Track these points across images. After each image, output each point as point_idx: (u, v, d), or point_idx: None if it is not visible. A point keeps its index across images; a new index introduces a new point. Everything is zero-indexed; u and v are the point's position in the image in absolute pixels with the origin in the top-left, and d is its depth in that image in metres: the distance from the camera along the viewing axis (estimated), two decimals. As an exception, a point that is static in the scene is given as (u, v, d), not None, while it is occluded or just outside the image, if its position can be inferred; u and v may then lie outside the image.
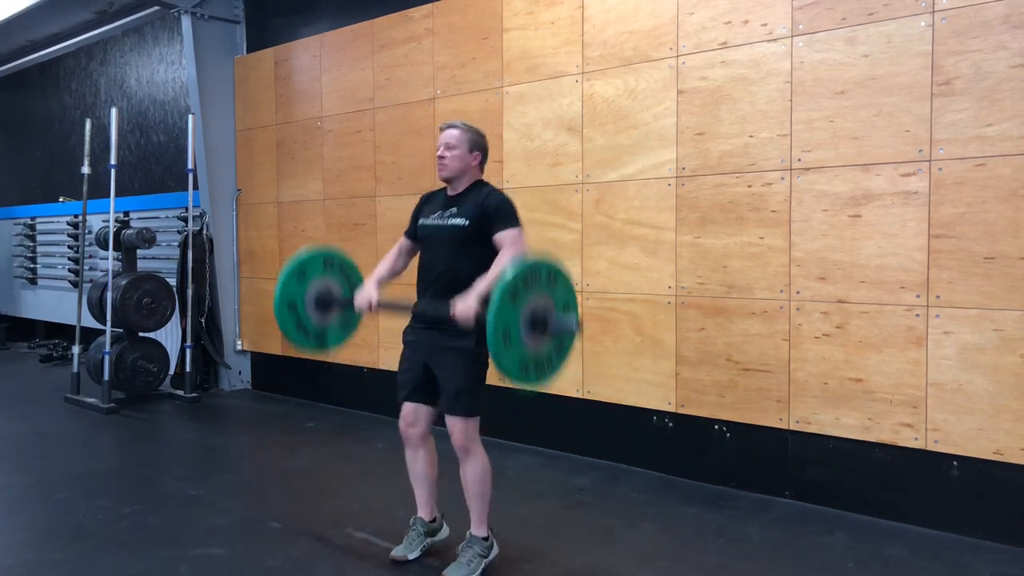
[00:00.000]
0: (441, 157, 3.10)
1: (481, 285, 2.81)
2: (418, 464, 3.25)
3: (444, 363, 3.03)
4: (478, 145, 3.13)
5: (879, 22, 3.52)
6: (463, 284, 2.94)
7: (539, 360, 2.81)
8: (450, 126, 3.14)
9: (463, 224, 3.01)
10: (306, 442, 5.16)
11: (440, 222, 3.09)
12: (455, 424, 3.00)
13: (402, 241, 3.32)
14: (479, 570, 3.02)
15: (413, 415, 3.18)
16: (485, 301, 2.73)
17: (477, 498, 3.05)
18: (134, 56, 8.04)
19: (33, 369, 8.19)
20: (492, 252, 3.01)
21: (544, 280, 2.80)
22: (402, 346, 3.23)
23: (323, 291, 3.39)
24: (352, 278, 3.51)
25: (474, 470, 3.02)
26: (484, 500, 3.05)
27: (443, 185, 3.23)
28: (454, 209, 3.08)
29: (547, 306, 2.79)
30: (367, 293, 3.15)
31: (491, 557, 3.09)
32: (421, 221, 3.19)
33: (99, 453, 4.99)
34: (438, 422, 3.19)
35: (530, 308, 2.74)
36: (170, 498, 4.02)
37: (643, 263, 4.29)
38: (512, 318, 2.67)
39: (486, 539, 3.08)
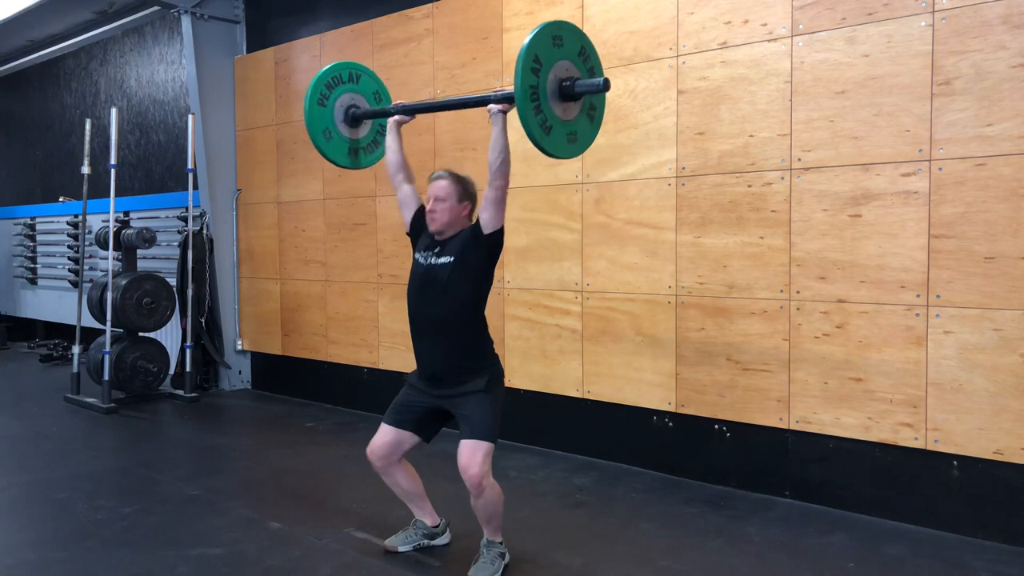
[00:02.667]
0: (431, 211, 3.08)
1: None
2: (400, 483, 3.26)
3: (463, 404, 3.02)
4: (467, 195, 3.11)
5: (879, 22, 3.52)
6: (454, 338, 3.00)
7: (565, 128, 2.87)
8: (439, 177, 3.11)
9: (448, 261, 3.01)
10: (306, 442, 5.16)
11: (427, 263, 3.08)
12: (474, 455, 2.90)
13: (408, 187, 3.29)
14: (500, 570, 3.03)
15: (390, 445, 3.15)
16: (510, 102, 2.84)
17: (493, 519, 3.05)
18: (134, 56, 8.04)
19: (33, 369, 8.19)
20: (479, 287, 3.04)
21: (551, 46, 2.81)
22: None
23: (350, 105, 3.52)
24: (366, 80, 3.63)
25: (486, 503, 2.98)
26: (499, 519, 3.06)
27: None
28: (438, 249, 3.08)
29: (567, 69, 2.83)
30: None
31: (507, 560, 3.11)
32: (415, 249, 3.17)
33: (99, 453, 4.99)
34: (449, 444, 3.18)
35: (553, 81, 2.77)
36: (170, 498, 4.02)
37: (643, 263, 4.29)
38: (542, 75, 2.73)
39: (502, 543, 3.10)
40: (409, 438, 3.16)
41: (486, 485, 2.92)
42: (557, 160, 4.62)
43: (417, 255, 3.16)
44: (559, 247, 4.63)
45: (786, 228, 3.81)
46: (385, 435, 3.17)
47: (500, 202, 2.98)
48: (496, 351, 3.18)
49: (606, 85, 2.84)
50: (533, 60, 2.75)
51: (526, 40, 2.75)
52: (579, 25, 4.49)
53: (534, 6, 4.70)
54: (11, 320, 9.89)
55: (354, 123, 3.52)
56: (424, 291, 3.06)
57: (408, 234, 3.26)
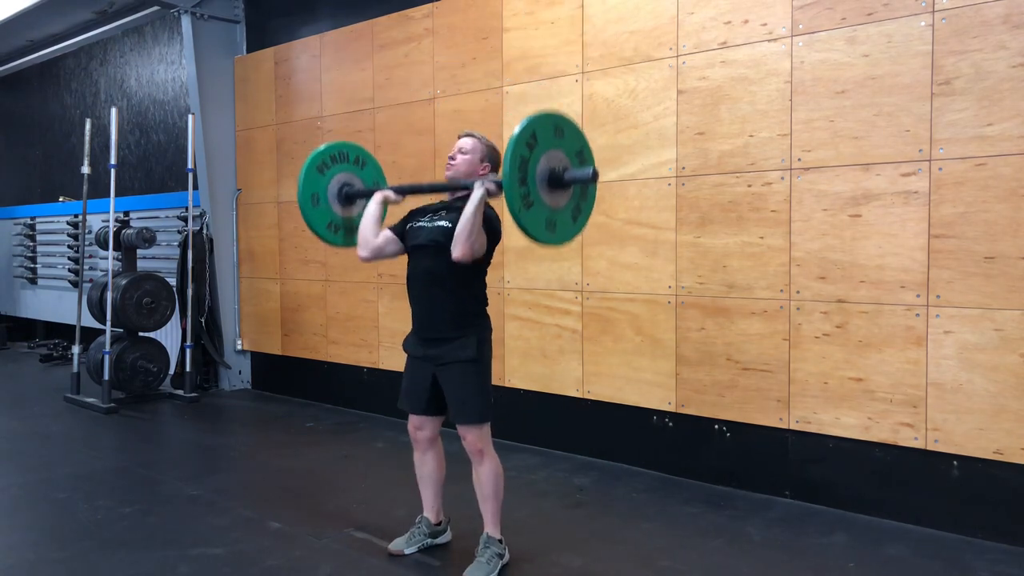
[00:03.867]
0: (451, 157, 3.11)
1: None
2: (426, 467, 3.29)
3: (450, 376, 3.05)
4: (490, 158, 3.13)
5: (879, 22, 3.52)
6: (448, 289, 3.01)
7: (567, 212, 2.88)
8: (468, 134, 3.15)
9: (447, 226, 3.01)
10: (306, 442, 5.16)
11: (427, 224, 3.10)
12: (468, 432, 3.03)
13: (385, 231, 3.25)
14: (497, 570, 3.03)
15: (420, 422, 3.22)
16: (496, 185, 2.83)
17: (491, 499, 3.07)
18: (134, 56, 8.04)
19: (33, 369, 8.19)
20: (477, 262, 3.02)
21: (552, 134, 2.81)
22: (404, 354, 3.23)
23: (345, 183, 3.49)
24: (370, 170, 3.60)
25: (487, 472, 3.05)
26: (498, 501, 3.08)
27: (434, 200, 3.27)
28: (443, 212, 3.10)
29: (560, 160, 2.82)
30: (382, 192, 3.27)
31: (506, 559, 3.10)
32: (409, 225, 3.18)
33: (99, 453, 4.99)
34: (447, 424, 3.21)
35: (544, 165, 2.76)
36: (170, 498, 4.02)
37: (643, 263, 4.29)
38: (529, 180, 2.72)
39: (501, 540, 3.10)
40: (429, 420, 3.21)
41: (486, 452, 3.02)
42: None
43: (414, 223, 3.14)
44: (559, 247, 4.63)
45: (786, 228, 3.81)
46: (412, 420, 3.24)
47: (470, 257, 2.91)
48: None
49: (595, 176, 2.82)
50: (530, 136, 2.72)
51: (506, 154, 2.70)
52: (579, 25, 4.50)
53: (534, 6, 4.70)
54: (11, 320, 9.89)
55: (347, 202, 3.48)
56: (424, 247, 3.07)
57: (406, 249, 3.19)
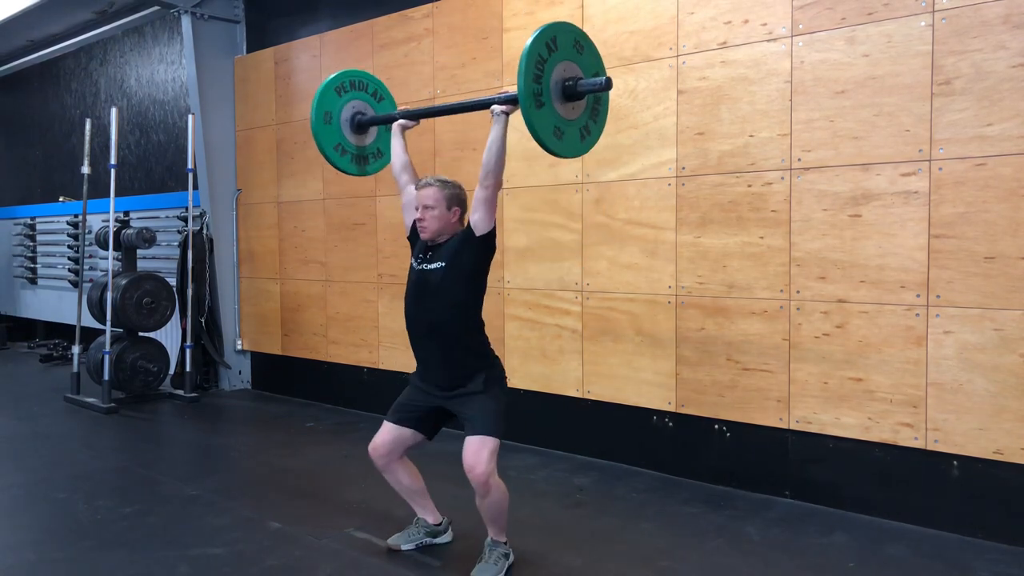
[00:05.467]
0: (420, 219, 3.07)
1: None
2: (402, 481, 3.28)
3: (462, 403, 3.04)
4: (456, 200, 3.09)
5: (879, 22, 3.52)
6: (450, 340, 3.02)
7: (576, 125, 2.92)
8: (426, 185, 3.08)
9: (440, 266, 3.02)
10: (306, 442, 5.16)
11: (419, 267, 3.09)
12: (478, 453, 2.90)
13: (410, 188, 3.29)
14: (504, 570, 3.03)
15: (392, 442, 3.17)
16: (511, 102, 2.89)
17: (498, 519, 3.06)
18: (134, 56, 8.04)
19: (33, 369, 8.19)
20: (472, 289, 3.04)
21: (571, 46, 2.86)
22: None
23: (359, 111, 3.56)
24: (386, 105, 3.67)
25: (492, 503, 2.99)
26: (504, 518, 3.08)
27: None
28: (430, 254, 3.09)
29: (575, 72, 2.87)
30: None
31: (511, 560, 3.10)
32: (412, 258, 3.17)
33: (99, 453, 4.99)
34: (450, 445, 3.20)
35: (560, 72, 2.81)
36: (170, 498, 4.02)
37: (643, 263, 4.29)
38: (544, 80, 2.76)
39: (506, 543, 3.11)
40: (411, 436, 3.18)
41: (492, 484, 2.92)
42: (558, 160, 4.63)
43: (412, 260, 3.16)
44: (559, 247, 4.63)
45: (786, 228, 3.81)
46: (386, 433, 3.18)
47: (491, 202, 2.97)
48: (496, 352, 3.19)
49: (608, 84, 2.87)
50: (550, 39, 2.79)
51: (527, 44, 2.76)
52: (579, 25, 4.49)
53: (534, 6, 4.70)
54: (11, 320, 9.89)
55: (360, 130, 3.55)
56: (418, 296, 3.07)
57: (408, 238, 3.26)
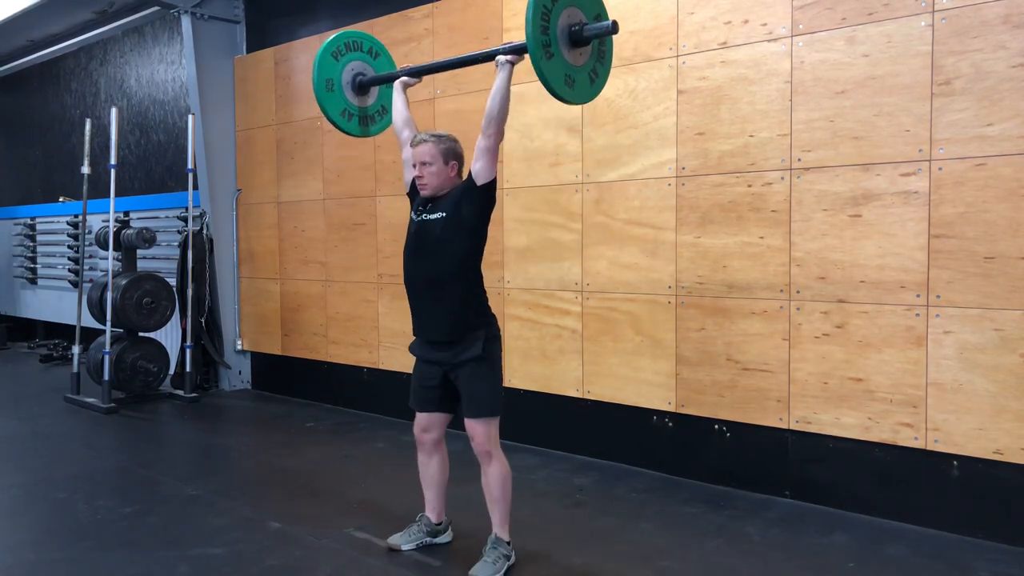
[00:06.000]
0: (419, 176, 3.07)
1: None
2: (431, 469, 3.29)
3: (461, 375, 3.05)
4: (453, 154, 3.09)
5: (879, 22, 3.52)
6: (448, 292, 3.01)
7: (584, 71, 2.96)
8: (422, 141, 3.08)
9: (440, 217, 3.02)
10: (306, 442, 5.16)
11: (419, 218, 3.10)
12: (477, 428, 3.02)
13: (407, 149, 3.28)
14: (503, 571, 3.03)
15: (428, 421, 3.22)
16: (516, 52, 2.93)
17: (499, 502, 3.07)
18: (134, 56, 8.04)
19: (33, 369, 8.19)
20: (473, 241, 3.04)
21: None
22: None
23: (359, 72, 3.56)
24: (383, 61, 3.67)
25: (496, 474, 3.04)
26: (506, 503, 3.09)
27: None
28: (430, 205, 3.10)
29: (579, 18, 2.90)
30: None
31: (512, 561, 3.10)
32: (411, 211, 3.19)
33: (99, 453, 4.99)
34: (454, 425, 3.21)
35: (564, 20, 2.84)
36: (170, 498, 4.02)
37: (643, 263, 4.29)
38: (551, 30, 2.79)
39: (509, 543, 3.11)
40: (439, 417, 3.22)
41: (494, 454, 3.02)
42: (559, 160, 4.62)
43: (412, 214, 3.16)
44: (559, 247, 4.63)
45: (786, 228, 3.81)
46: (420, 419, 3.24)
47: (493, 151, 2.97)
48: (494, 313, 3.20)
49: (615, 27, 2.92)
50: (542, 16, 2.81)
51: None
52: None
53: (534, 6, 4.69)
54: (11, 320, 9.89)
55: (362, 91, 3.56)
56: (418, 247, 3.07)
57: (408, 194, 3.25)
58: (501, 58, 2.97)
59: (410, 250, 3.12)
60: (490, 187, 3.02)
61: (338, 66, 3.49)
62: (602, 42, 3.09)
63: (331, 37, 3.55)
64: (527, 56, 2.87)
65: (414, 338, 3.21)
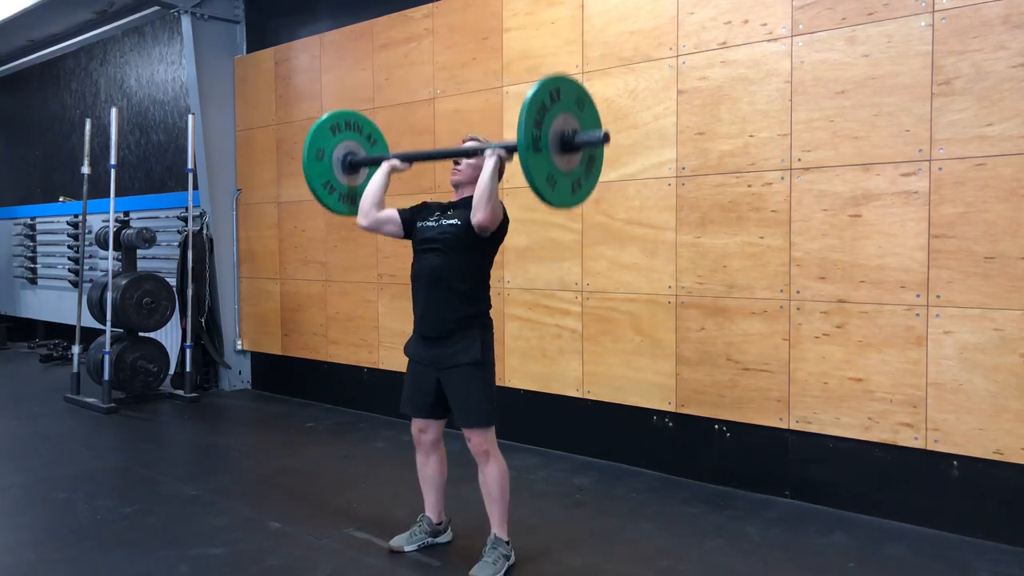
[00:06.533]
0: (456, 163, 3.15)
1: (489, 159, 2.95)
2: (429, 469, 3.30)
3: (454, 380, 3.05)
4: None
5: (879, 22, 3.52)
6: (453, 287, 3.02)
7: (569, 178, 2.91)
8: (472, 138, 3.18)
9: (455, 224, 3.04)
10: (306, 442, 5.16)
11: (434, 223, 3.11)
12: (473, 434, 3.03)
13: (391, 210, 3.26)
14: (503, 571, 3.03)
15: (424, 424, 3.23)
16: (507, 150, 2.92)
17: (498, 501, 3.07)
18: (134, 56, 8.04)
19: (33, 369, 8.19)
20: (482, 260, 3.06)
21: (574, 101, 2.88)
22: (405, 357, 3.23)
23: (351, 151, 3.52)
24: (380, 149, 3.64)
25: (493, 473, 3.05)
26: (504, 503, 3.09)
27: (438, 199, 3.31)
28: (450, 212, 3.12)
29: (574, 126, 2.88)
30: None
31: (511, 561, 3.10)
32: (419, 223, 3.18)
33: (99, 453, 4.99)
34: (452, 424, 3.21)
35: (559, 124, 2.82)
36: (170, 498, 4.02)
37: (643, 263, 4.29)
38: (543, 127, 2.77)
39: (508, 542, 3.11)
40: (432, 423, 3.22)
41: (491, 453, 3.02)
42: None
43: (423, 221, 3.15)
44: (559, 247, 4.63)
45: (786, 228, 3.81)
46: (415, 423, 3.25)
47: (487, 223, 2.94)
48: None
49: (606, 138, 2.86)
50: (554, 89, 2.80)
51: (531, 91, 2.75)
52: (579, 25, 4.50)
53: (534, 6, 4.70)
54: (11, 320, 9.89)
55: (351, 170, 3.51)
56: (431, 245, 3.07)
57: (407, 236, 3.22)
58: (490, 149, 2.96)
59: (422, 248, 3.12)
60: (497, 232, 3.06)
61: (333, 140, 3.46)
62: (592, 156, 3.03)
63: (333, 112, 3.52)
64: (515, 155, 2.84)
65: (411, 337, 3.21)
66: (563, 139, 2.84)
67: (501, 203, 3.01)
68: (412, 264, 3.18)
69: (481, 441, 3.03)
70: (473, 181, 3.08)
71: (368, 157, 3.52)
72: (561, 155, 2.86)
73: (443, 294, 3.04)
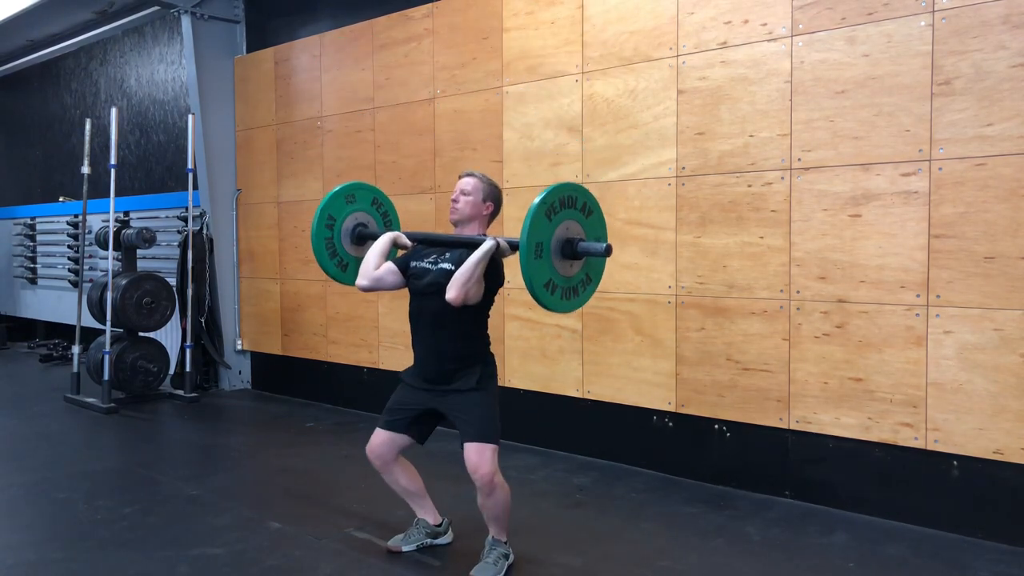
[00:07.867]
0: (454, 200, 3.13)
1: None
2: (399, 481, 3.28)
3: (454, 403, 3.04)
4: (492, 196, 3.16)
5: (879, 22, 3.52)
6: (453, 331, 3.02)
7: (567, 286, 2.92)
8: (469, 175, 3.16)
9: (451, 268, 3.01)
10: (306, 442, 5.16)
11: (431, 266, 3.09)
12: (481, 454, 2.94)
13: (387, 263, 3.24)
14: (504, 570, 3.03)
15: (385, 445, 3.18)
16: (510, 246, 2.92)
17: (501, 519, 3.06)
18: (134, 56, 8.04)
19: (33, 369, 8.19)
20: (480, 303, 3.02)
21: (581, 208, 2.90)
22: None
23: (362, 223, 3.53)
24: (390, 219, 3.66)
25: (495, 502, 3.00)
26: (506, 518, 3.08)
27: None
28: (447, 254, 3.10)
29: (579, 233, 2.89)
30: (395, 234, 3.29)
31: (511, 560, 3.10)
32: (413, 264, 3.15)
33: (99, 453, 4.99)
34: (450, 432, 3.20)
35: (564, 229, 2.83)
36: (170, 498, 4.02)
37: (643, 263, 4.29)
38: (546, 233, 2.77)
39: (506, 542, 3.11)
40: (402, 439, 3.18)
41: (497, 483, 2.96)
42: (559, 160, 4.62)
43: (419, 263, 3.13)
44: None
45: (786, 228, 3.81)
46: (378, 436, 3.20)
47: (461, 300, 2.91)
48: (496, 352, 3.19)
49: (608, 251, 2.87)
50: (567, 195, 2.82)
51: (541, 194, 2.76)
52: (579, 25, 4.50)
53: (534, 6, 4.70)
54: (11, 320, 9.89)
55: (359, 241, 3.53)
56: (429, 289, 3.06)
57: (406, 284, 3.17)
58: (491, 238, 2.95)
59: (418, 291, 3.10)
60: (493, 285, 3.05)
61: (345, 209, 3.48)
62: (591, 265, 3.04)
63: (353, 182, 3.56)
64: (516, 254, 2.84)
65: (409, 367, 3.20)
66: (564, 245, 2.85)
67: (483, 283, 2.97)
68: (410, 302, 3.16)
69: (488, 471, 2.91)
70: (472, 220, 3.10)
71: (377, 231, 3.52)
72: (562, 261, 2.87)
73: (444, 338, 3.04)
